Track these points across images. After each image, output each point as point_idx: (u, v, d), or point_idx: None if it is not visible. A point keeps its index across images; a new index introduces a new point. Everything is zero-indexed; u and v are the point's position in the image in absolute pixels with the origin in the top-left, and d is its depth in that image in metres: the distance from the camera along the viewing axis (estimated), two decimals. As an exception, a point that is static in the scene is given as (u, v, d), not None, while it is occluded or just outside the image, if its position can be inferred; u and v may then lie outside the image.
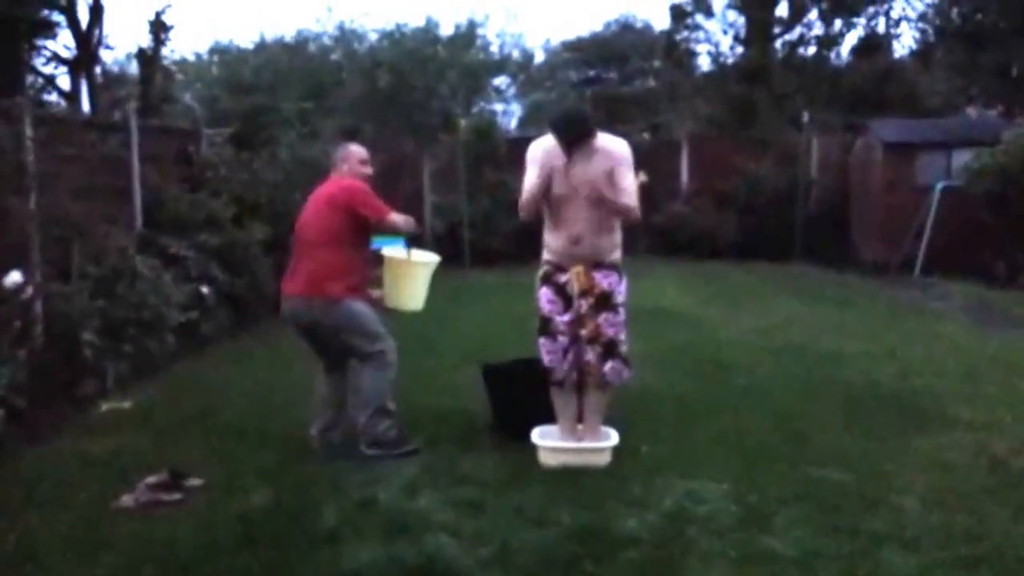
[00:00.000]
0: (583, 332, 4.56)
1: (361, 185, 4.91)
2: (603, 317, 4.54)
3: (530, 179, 4.60)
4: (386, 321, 4.92)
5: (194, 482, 4.35)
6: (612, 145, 4.60)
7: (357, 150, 5.12)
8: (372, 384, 4.77)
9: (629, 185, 4.55)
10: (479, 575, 3.36)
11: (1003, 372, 6.47)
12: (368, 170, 5.07)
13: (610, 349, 4.56)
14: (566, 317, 4.58)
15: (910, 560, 3.38)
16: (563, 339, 4.59)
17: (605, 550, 3.52)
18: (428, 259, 5.23)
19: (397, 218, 4.86)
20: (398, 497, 4.10)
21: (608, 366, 4.56)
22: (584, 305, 4.54)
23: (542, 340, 4.65)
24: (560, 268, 4.62)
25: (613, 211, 4.56)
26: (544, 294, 4.65)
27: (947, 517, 3.78)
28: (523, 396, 4.91)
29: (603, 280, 4.56)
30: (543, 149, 4.60)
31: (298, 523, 3.83)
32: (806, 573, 3.31)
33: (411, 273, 5.09)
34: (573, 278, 4.54)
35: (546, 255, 4.69)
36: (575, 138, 4.44)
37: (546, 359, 4.63)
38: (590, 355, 4.56)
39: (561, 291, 4.60)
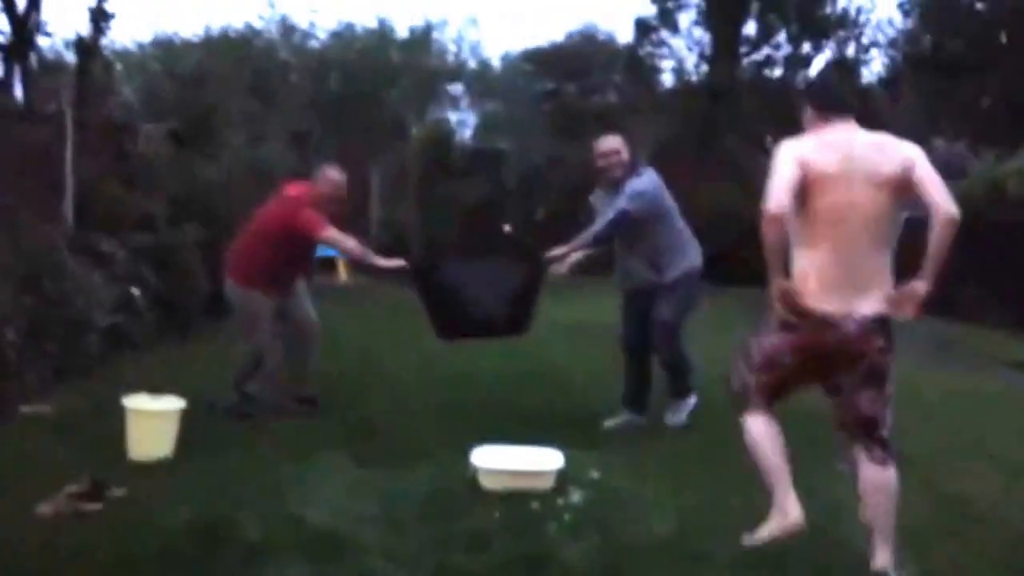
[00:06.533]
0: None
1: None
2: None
3: (781, 177, 3.40)
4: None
5: (116, 492, 4.17)
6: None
7: (335, 174, 5.64)
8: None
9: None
10: (411, 599, 3.25)
11: (958, 409, 6.49)
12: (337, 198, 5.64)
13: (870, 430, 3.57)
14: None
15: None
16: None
17: (542, 579, 3.42)
18: (169, 407, 4.93)
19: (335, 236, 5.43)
20: (328, 514, 3.95)
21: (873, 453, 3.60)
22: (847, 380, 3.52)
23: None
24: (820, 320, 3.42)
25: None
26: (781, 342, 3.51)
27: (896, 554, 3.66)
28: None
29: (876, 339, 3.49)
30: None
31: (222, 538, 3.68)
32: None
33: (151, 424, 4.86)
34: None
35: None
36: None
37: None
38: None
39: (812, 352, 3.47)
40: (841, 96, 3.63)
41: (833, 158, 3.37)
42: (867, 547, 3.51)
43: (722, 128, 18.40)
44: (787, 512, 3.48)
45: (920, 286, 3.38)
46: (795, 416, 5.76)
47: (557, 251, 5.50)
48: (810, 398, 3.87)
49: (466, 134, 22.10)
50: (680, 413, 5.71)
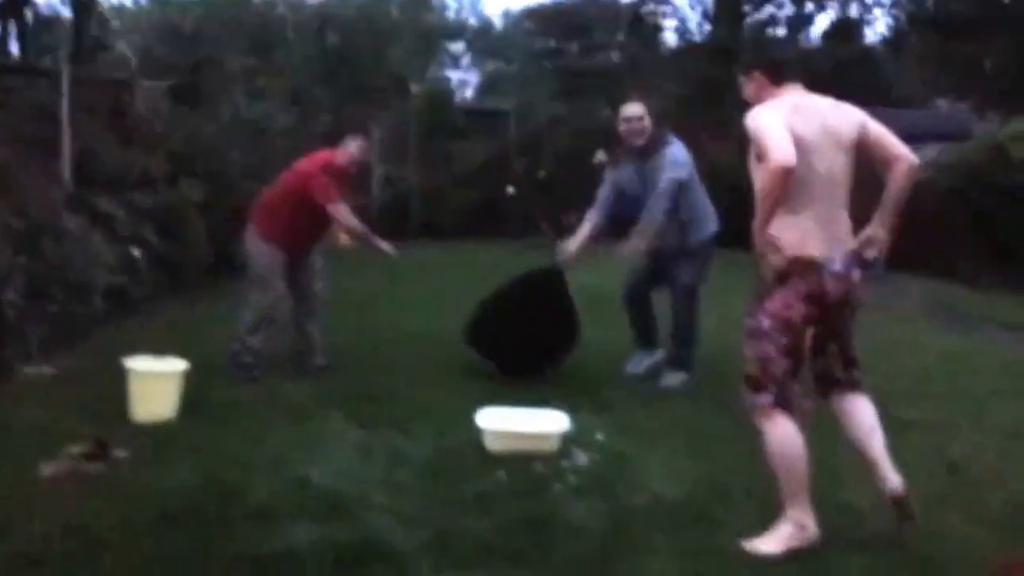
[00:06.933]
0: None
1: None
2: None
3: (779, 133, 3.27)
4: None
5: (120, 453, 4.15)
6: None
7: (358, 148, 5.82)
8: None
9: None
10: (416, 559, 3.23)
11: (960, 373, 6.43)
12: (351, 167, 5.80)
13: None
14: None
15: (857, 559, 3.32)
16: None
17: (548, 540, 3.41)
18: (173, 368, 4.89)
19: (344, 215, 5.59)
20: (334, 476, 3.96)
21: None
22: None
23: None
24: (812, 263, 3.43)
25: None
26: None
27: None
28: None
29: None
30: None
31: (227, 499, 3.67)
32: (756, 571, 3.24)
33: (153, 385, 4.82)
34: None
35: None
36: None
37: None
38: None
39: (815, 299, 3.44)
40: (792, 62, 3.67)
41: (811, 125, 3.34)
42: (876, 480, 3.51)
43: (725, 88, 18.17)
44: (806, 527, 3.40)
45: (882, 233, 3.48)
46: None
47: (635, 240, 5.46)
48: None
49: (467, 94, 21.90)
50: (675, 379, 5.72)
